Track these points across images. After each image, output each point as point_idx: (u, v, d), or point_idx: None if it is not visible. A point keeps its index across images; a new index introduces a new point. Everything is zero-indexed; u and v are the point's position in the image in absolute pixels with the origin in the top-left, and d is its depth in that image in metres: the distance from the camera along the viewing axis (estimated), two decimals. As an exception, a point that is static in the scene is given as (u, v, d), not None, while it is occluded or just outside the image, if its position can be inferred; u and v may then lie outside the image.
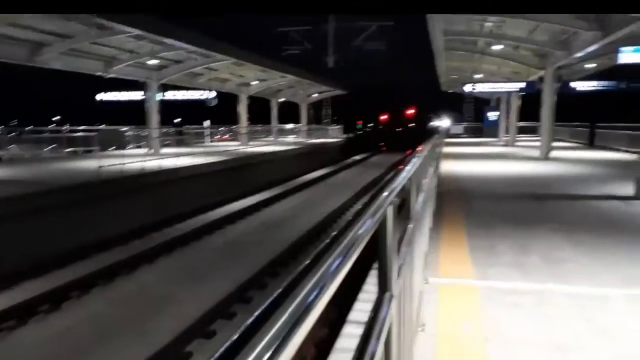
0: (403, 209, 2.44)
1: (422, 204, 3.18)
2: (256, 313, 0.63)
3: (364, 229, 1.05)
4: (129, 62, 16.74)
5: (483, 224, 6.55)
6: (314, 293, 0.68)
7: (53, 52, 13.50)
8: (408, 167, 2.06)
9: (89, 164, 13.05)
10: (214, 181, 15.15)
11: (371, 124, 46.63)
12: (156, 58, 17.15)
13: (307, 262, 7.82)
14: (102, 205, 10.57)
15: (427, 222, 4.53)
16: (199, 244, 10.11)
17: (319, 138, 34.34)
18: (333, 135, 38.78)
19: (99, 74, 16.95)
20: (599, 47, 12.04)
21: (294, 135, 35.57)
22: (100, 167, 12.00)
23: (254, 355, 0.52)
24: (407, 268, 2.15)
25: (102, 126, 25.49)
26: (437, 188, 9.78)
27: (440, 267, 4.79)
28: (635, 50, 9.17)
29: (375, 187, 17.14)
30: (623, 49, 9.39)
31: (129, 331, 6.03)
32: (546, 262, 4.87)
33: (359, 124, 46.86)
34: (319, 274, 0.72)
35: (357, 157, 32.58)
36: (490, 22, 14.64)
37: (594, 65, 19.10)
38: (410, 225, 2.29)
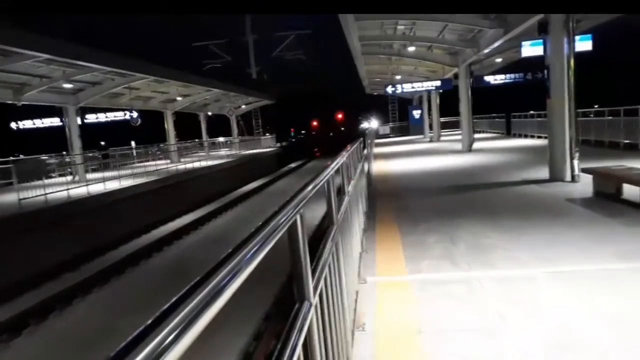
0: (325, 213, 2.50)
1: (348, 206, 3.26)
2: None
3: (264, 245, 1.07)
4: (41, 88, 15.88)
5: (414, 220, 6.80)
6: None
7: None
8: (323, 173, 2.11)
9: (9, 198, 12.24)
10: (148, 202, 14.65)
11: (303, 131, 46.85)
12: (71, 82, 16.40)
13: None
14: (30, 238, 9.94)
15: (359, 222, 4.64)
16: (137, 268, 9.73)
17: (252, 149, 34.11)
18: (266, 145, 38.68)
19: (9, 102, 15.96)
20: (502, 42, 12.88)
21: (227, 149, 35.11)
22: (21, 199, 11.31)
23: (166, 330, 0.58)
24: (334, 271, 2.21)
25: (20, 156, 23.95)
26: (369, 187, 10.06)
27: (376, 265, 4.92)
28: (532, 44, 9.91)
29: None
30: (523, 43, 10.12)
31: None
32: (473, 250, 5.12)
33: (292, 131, 46.96)
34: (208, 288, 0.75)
35: (293, 165, 32.64)
36: (402, 25, 15.26)
37: (501, 59, 20.38)
38: (334, 228, 2.35)
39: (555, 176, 8.96)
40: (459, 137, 19.05)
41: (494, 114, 29.94)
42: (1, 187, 16.79)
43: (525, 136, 22.19)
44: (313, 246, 2.01)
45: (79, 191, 12.99)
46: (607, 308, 3.45)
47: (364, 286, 4.25)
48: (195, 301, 0.67)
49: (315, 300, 1.47)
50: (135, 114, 20.47)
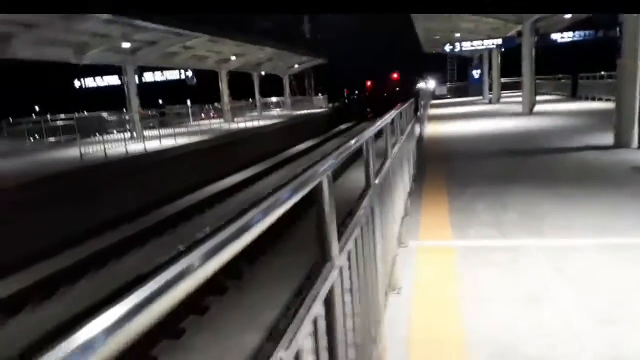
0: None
1: (390, 168, 3.19)
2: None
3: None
4: (101, 48, 16.38)
5: (464, 185, 6.61)
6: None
7: (20, 42, 13.17)
8: (358, 136, 2.05)
9: (73, 152, 12.95)
10: (202, 160, 15.09)
11: (357, 92, 46.37)
12: (129, 41, 16.79)
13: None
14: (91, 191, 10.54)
15: (403, 186, 4.56)
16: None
17: (304, 109, 34.12)
18: (318, 106, 38.55)
19: (72, 61, 16.63)
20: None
21: (279, 108, 35.29)
22: (83, 154, 11.93)
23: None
24: (369, 234, 2.18)
25: (82, 113, 25.16)
26: (420, 150, 9.86)
27: (420, 229, 4.85)
28: (605, -2, 9.13)
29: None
30: (595, -3, 9.36)
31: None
32: (524, 218, 4.94)
33: (346, 92, 46.58)
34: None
35: (343, 127, 32.46)
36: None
37: (570, 15, 18.98)
38: (369, 190, 2.31)
39: (621, 142, 8.39)
40: (520, 99, 18.16)
41: (559, 75, 28.22)
42: (66, 141, 17.74)
43: (593, 99, 20.83)
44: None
45: (137, 147, 13.53)
46: (663, 283, 3.25)
47: (405, 250, 4.21)
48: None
49: (340, 261, 1.45)
50: (190, 73, 20.82)
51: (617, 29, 8.39)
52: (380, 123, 2.84)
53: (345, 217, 1.87)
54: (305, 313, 1.12)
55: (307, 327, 1.10)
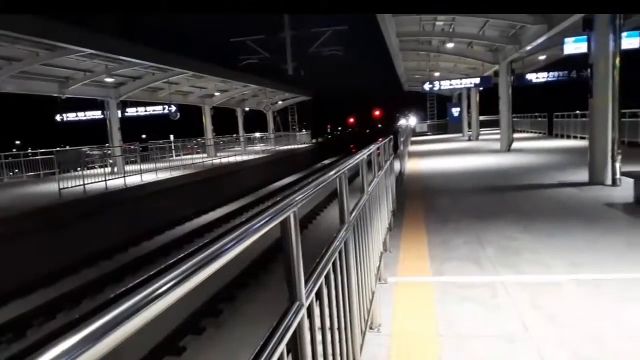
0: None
1: (366, 204, 3.20)
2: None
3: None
4: (84, 82, 16.41)
5: (443, 220, 6.65)
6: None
7: (2, 75, 13.13)
8: (330, 172, 2.06)
9: (51, 187, 12.74)
10: (184, 194, 14.96)
11: (339, 128, 46.85)
12: (112, 76, 16.87)
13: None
14: (64, 228, 10.31)
15: (381, 221, 4.56)
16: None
17: (288, 145, 34.32)
18: (301, 141, 38.81)
19: (55, 95, 16.60)
20: (545, 39, 12.43)
21: (263, 144, 35.44)
22: (61, 189, 11.73)
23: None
24: (342, 271, 2.16)
25: (64, 147, 24.91)
26: (400, 186, 9.94)
27: (399, 265, 4.84)
28: (575, 41, 9.47)
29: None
30: (566, 39, 9.70)
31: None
32: (501, 253, 4.96)
33: (329, 127, 47.03)
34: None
35: (326, 162, 32.65)
36: (441, 22, 14.94)
37: (544, 57, 19.69)
38: (344, 226, 2.31)
39: (595, 179, 8.59)
40: (499, 136, 18.57)
41: (536, 113, 29.03)
42: (45, 176, 17.48)
43: (568, 137, 21.41)
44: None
45: (117, 182, 13.38)
46: (637, 319, 3.27)
47: (384, 286, 4.19)
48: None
49: (308, 301, 1.43)
50: (173, 108, 20.89)
51: (589, 70, 8.70)
52: (354, 159, 2.86)
53: (321, 254, 1.86)
54: (270, 355, 1.09)
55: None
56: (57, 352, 0.50)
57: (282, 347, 1.17)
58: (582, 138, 18.93)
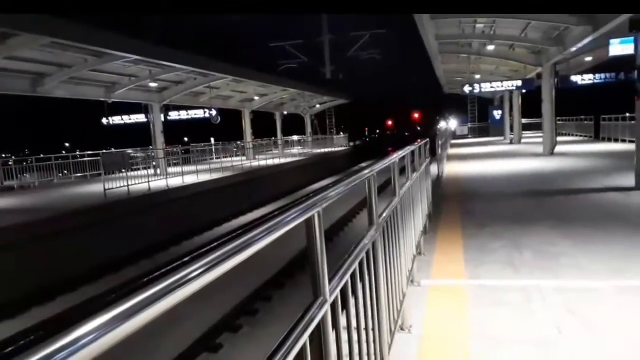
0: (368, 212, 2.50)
1: (397, 206, 3.23)
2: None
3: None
4: (129, 86, 17.02)
5: (480, 224, 6.57)
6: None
7: (53, 81, 13.79)
8: (357, 174, 2.12)
9: (97, 187, 13.30)
10: (223, 196, 15.28)
11: (377, 131, 46.62)
12: (156, 80, 17.43)
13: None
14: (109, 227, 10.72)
15: (416, 224, 4.56)
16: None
17: (325, 147, 34.44)
18: (339, 144, 38.86)
19: (101, 99, 17.30)
20: (590, 40, 12.05)
21: (300, 147, 35.73)
22: (107, 189, 12.22)
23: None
24: (369, 271, 2.21)
25: (110, 150, 25.87)
26: (438, 189, 9.85)
27: (433, 268, 4.83)
28: (622, 42, 9.14)
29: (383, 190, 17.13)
30: (612, 40, 9.36)
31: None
32: (538, 258, 4.87)
33: (366, 130, 46.91)
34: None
35: (363, 165, 32.58)
36: (481, 24, 14.70)
37: (590, 58, 19.04)
38: (372, 227, 2.35)
39: (642, 184, 8.27)
40: (541, 139, 18.08)
41: (582, 116, 28.07)
42: (92, 177, 18.21)
43: (616, 140, 20.61)
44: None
45: (159, 183, 13.81)
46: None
47: (417, 289, 4.19)
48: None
49: (332, 297, 1.49)
50: (214, 112, 21.35)
51: (635, 71, 8.39)
52: (384, 162, 2.90)
53: (347, 253, 1.91)
54: (289, 349, 1.15)
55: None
56: (91, 327, 0.58)
57: (304, 339, 1.23)
58: (630, 142, 18.16)
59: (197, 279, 0.83)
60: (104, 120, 20.61)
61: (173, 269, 0.78)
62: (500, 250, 5.27)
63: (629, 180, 8.86)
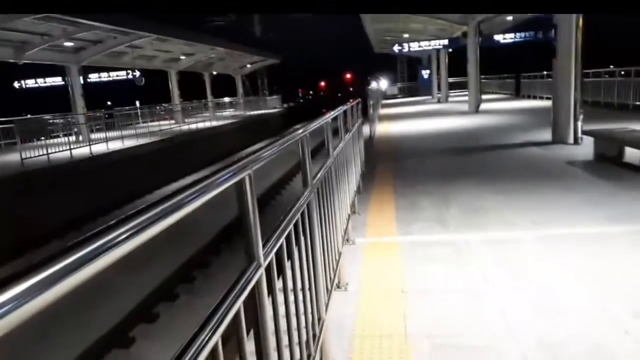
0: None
1: (331, 168, 3.22)
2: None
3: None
4: (42, 46, 15.71)
5: (412, 182, 6.76)
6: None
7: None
8: (290, 135, 2.06)
9: (12, 157, 12.36)
10: (151, 163, 14.71)
11: (311, 92, 46.44)
12: (71, 40, 16.19)
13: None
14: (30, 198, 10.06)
15: (350, 184, 4.60)
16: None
17: (258, 110, 33.87)
18: (272, 106, 38.36)
19: (11, 60, 15.87)
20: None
21: (232, 109, 34.90)
22: (24, 159, 11.40)
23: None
24: (305, 233, 2.19)
25: (28, 116, 24.00)
26: (371, 149, 10.01)
27: (367, 227, 4.92)
28: (541, 1, 9.54)
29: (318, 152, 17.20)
30: None
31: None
32: (465, 213, 5.10)
33: (300, 92, 46.57)
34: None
35: (298, 127, 32.46)
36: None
37: (511, 17, 19.76)
38: (307, 189, 2.32)
39: (558, 138, 8.82)
40: (467, 98, 18.75)
41: (504, 75, 29.33)
42: (7, 146, 16.88)
43: (534, 97, 21.79)
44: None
45: (82, 151, 13.05)
46: (592, 271, 3.44)
47: (352, 247, 4.27)
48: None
49: (267, 260, 1.45)
50: (138, 74, 20.27)
51: (553, 30, 8.79)
52: (317, 122, 2.86)
53: (282, 216, 1.87)
54: (223, 316, 1.11)
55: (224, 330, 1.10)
56: (9, 295, 0.52)
57: (239, 304, 1.19)
58: (547, 99, 19.27)
59: (124, 243, 0.76)
60: (17, 84, 19.04)
61: (99, 232, 0.72)
62: (430, 207, 5.46)
63: (546, 135, 9.41)
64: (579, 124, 8.50)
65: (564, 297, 3.08)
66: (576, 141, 8.53)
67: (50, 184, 10.67)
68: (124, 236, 0.75)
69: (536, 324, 2.77)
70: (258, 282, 1.36)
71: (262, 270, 1.38)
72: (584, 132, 8.15)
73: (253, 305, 1.40)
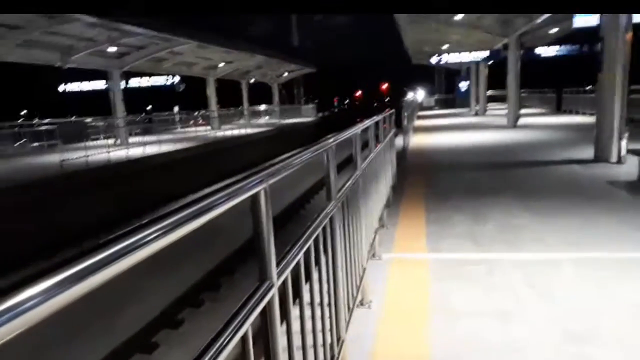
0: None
1: (358, 180, 3.14)
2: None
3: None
4: (87, 51, 16.24)
5: (444, 197, 6.58)
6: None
7: (5, 44, 13.01)
8: (313, 147, 2.00)
9: (52, 158, 12.76)
10: (185, 169, 14.92)
11: (346, 101, 46.54)
12: (115, 45, 16.68)
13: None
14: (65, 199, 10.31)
15: (379, 197, 4.50)
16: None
17: (293, 118, 34.07)
18: (307, 115, 38.52)
19: (57, 64, 16.47)
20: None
21: (267, 117, 35.20)
22: (63, 161, 11.74)
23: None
24: (327, 248, 2.11)
25: (69, 119, 24.85)
26: (403, 161, 9.86)
27: (395, 242, 4.80)
28: (586, 14, 9.20)
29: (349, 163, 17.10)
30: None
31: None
32: (500, 231, 4.91)
33: (335, 101, 46.71)
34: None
35: (329, 137, 32.44)
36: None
37: (555, 30, 19.22)
38: (331, 203, 2.25)
39: (601, 156, 8.46)
40: (505, 111, 18.32)
41: (545, 89, 28.57)
42: (49, 147, 17.49)
43: (577, 113, 21.09)
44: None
45: (119, 154, 13.36)
46: (630, 298, 3.23)
47: (378, 263, 4.16)
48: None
49: (281, 279, 1.39)
50: (177, 79, 20.71)
51: (599, 44, 8.47)
52: (345, 134, 2.78)
53: (302, 231, 1.80)
54: (230, 338, 1.05)
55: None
56: (42, 287, 0.54)
57: (245, 328, 1.12)
58: (590, 114, 18.60)
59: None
60: (61, 88, 19.74)
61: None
62: (462, 223, 5.29)
63: (588, 153, 9.04)
64: (624, 142, 8.13)
65: (601, 324, 2.89)
66: (620, 160, 8.16)
67: (81, 188, 10.87)
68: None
69: (569, 352, 2.60)
70: (270, 302, 1.29)
71: (274, 290, 1.32)
72: (629, 151, 7.78)
73: (263, 326, 1.33)
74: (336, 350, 2.20)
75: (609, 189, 6.54)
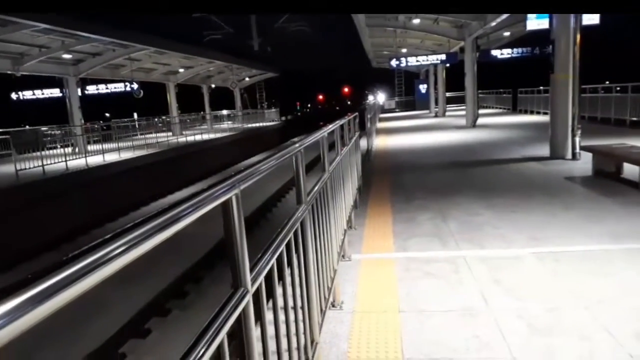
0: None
1: (326, 183, 3.15)
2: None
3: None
4: (40, 58, 15.70)
5: (408, 197, 6.69)
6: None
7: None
8: (284, 150, 2.00)
9: (7, 169, 12.26)
10: (146, 175, 14.61)
11: (309, 105, 46.60)
12: (70, 52, 16.20)
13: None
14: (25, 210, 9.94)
15: (346, 199, 4.53)
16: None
17: (256, 122, 33.85)
18: (270, 119, 38.34)
19: (8, 72, 15.84)
20: (509, 15, 12.51)
21: (230, 122, 34.83)
22: (19, 170, 11.30)
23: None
24: (299, 251, 2.12)
25: (27, 127, 23.91)
26: (368, 163, 9.96)
27: (363, 242, 4.84)
28: (538, 17, 9.56)
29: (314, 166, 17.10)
30: (529, 16, 9.77)
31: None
32: (464, 228, 5.02)
33: (298, 105, 46.69)
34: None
35: (295, 139, 32.45)
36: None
37: (509, 33, 19.89)
38: (301, 207, 2.25)
39: (556, 154, 8.79)
40: (464, 112, 18.79)
41: (501, 89, 29.48)
42: (2, 157, 16.78)
43: (532, 112, 21.85)
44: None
45: (78, 163, 12.97)
46: (592, 289, 3.36)
47: (348, 263, 4.18)
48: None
49: (255, 286, 1.38)
50: (136, 86, 20.27)
51: (550, 46, 8.80)
52: (313, 137, 2.79)
53: (272, 237, 1.80)
54: (206, 348, 1.04)
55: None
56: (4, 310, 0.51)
57: (221, 337, 1.11)
58: (544, 113, 19.33)
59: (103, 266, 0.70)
60: (14, 95, 19.00)
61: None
62: (428, 222, 5.39)
63: (544, 150, 9.38)
64: (577, 139, 8.47)
65: (564, 317, 3.00)
66: (574, 157, 8.50)
67: (42, 197, 10.55)
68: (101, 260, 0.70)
69: (535, 345, 2.69)
70: (245, 310, 1.28)
71: (249, 297, 1.31)
72: (582, 148, 8.11)
73: (238, 333, 1.32)
74: (310, 352, 2.21)
75: (566, 185, 6.80)
